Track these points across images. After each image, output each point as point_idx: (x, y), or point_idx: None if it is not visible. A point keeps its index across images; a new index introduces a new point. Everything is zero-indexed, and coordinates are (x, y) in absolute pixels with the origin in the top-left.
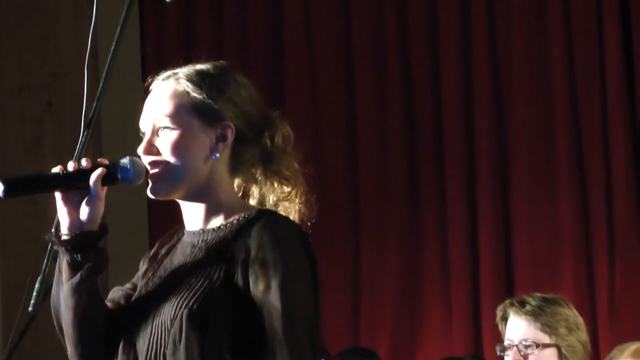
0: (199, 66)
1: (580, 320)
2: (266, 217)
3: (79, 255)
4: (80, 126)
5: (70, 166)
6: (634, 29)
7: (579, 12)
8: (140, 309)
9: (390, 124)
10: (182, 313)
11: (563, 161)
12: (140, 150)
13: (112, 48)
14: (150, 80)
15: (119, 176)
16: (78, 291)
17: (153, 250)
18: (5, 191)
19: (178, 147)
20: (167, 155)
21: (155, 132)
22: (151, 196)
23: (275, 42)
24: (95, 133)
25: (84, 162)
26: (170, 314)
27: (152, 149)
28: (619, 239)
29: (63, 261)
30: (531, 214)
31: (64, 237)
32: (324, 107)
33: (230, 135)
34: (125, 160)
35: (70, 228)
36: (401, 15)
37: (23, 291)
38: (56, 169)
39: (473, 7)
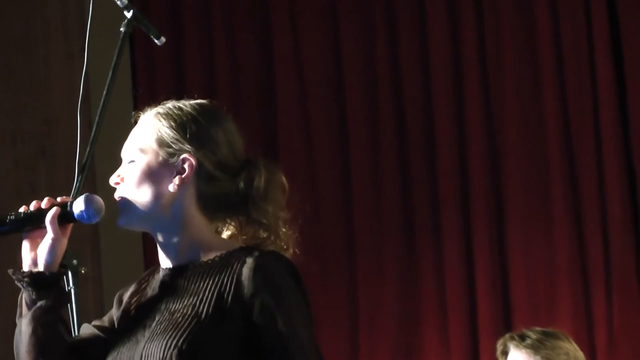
0: (182, 102)
1: (580, 354)
2: (254, 257)
3: (34, 293)
4: (74, 172)
5: (32, 206)
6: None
7: (570, 49)
8: (123, 349)
9: (384, 156)
10: (172, 354)
11: (559, 197)
12: (111, 181)
13: (104, 94)
14: (135, 116)
15: (75, 215)
16: (33, 327)
17: (132, 289)
18: None
19: (136, 178)
20: (127, 186)
21: (124, 163)
22: (118, 225)
23: (266, 82)
24: (89, 178)
25: (44, 203)
26: (158, 354)
27: (117, 178)
28: (615, 274)
29: (23, 295)
30: (527, 249)
31: (24, 276)
32: (318, 142)
33: (189, 169)
34: (80, 199)
35: (30, 266)
36: (392, 49)
37: None
38: (21, 209)
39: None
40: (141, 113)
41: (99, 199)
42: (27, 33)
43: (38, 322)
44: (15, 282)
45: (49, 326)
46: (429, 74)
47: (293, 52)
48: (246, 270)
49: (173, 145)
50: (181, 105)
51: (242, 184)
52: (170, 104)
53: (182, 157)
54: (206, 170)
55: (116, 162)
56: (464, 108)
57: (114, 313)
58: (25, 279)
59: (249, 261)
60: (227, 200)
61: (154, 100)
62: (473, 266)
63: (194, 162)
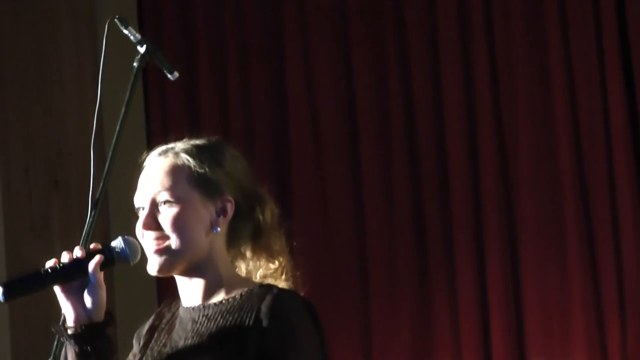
0: (195, 141)
1: None
2: (273, 294)
3: (88, 347)
4: (87, 204)
5: (65, 257)
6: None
7: (583, 80)
8: None
9: (397, 183)
10: None
11: (572, 227)
12: (140, 225)
13: (117, 129)
14: (145, 155)
15: (116, 259)
16: None
17: (149, 324)
18: (4, 295)
19: (180, 222)
20: (169, 230)
21: (155, 207)
22: (152, 273)
23: (280, 117)
24: (103, 212)
25: (78, 252)
26: None
27: (152, 224)
28: (629, 304)
29: (70, 351)
30: (541, 281)
31: (71, 331)
32: (331, 177)
33: (230, 209)
34: (119, 242)
35: (77, 320)
36: (405, 88)
37: None
38: (50, 262)
39: (476, 73)
40: (151, 154)
41: (134, 240)
42: (39, 64)
43: None
44: (64, 337)
45: None
46: (441, 103)
47: (306, 85)
48: (264, 308)
49: (211, 185)
50: (204, 143)
51: (260, 216)
52: (187, 143)
53: (223, 197)
54: (238, 206)
55: (129, 196)
56: (477, 140)
57: (135, 350)
58: (80, 335)
59: (268, 298)
60: (245, 235)
61: (167, 134)
62: (486, 293)
63: (233, 201)
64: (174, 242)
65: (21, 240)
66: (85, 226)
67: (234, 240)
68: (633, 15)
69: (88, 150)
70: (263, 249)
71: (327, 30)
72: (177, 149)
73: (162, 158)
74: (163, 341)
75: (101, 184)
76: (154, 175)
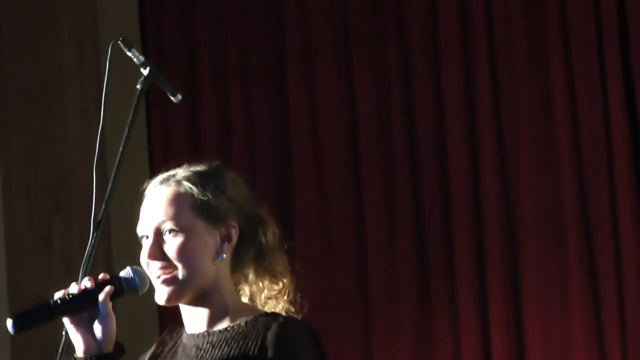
0: (196, 167)
1: None
2: (279, 322)
3: None
4: (89, 226)
5: (75, 288)
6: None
7: (585, 113)
8: None
9: (397, 184)
10: None
11: (573, 250)
12: (145, 255)
13: (120, 151)
14: (146, 184)
15: (126, 290)
16: None
17: (151, 352)
18: (14, 327)
19: (186, 251)
20: (176, 260)
21: (160, 236)
22: (161, 303)
23: (282, 140)
24: (104, 234)
25: (87, 283)
26: None
27: (158, 254)
28: (628, 303)
29: None
30: (540, 278)
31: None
32: (333, 198)
33: (235, 234)
34: (128, 272)
35: (87, 351)
36: (407, 109)
37: None
38: (60, 294)
39: (476, 74)
40: (152, 183)
41: (142, 269)
42: (42, 85)
43: None
44: None
45: None
46: (442, 104)
47: (308, 109)
48: (270, 336)
49: (214, 211)
50: (205, 170)
51: (263, 238)
52: (186, 170)
53: (227, 223)
54: (242, 231)
55: (131, 219)
56: (477, 141)
57: None
58: None
59: (274, 327)
60: (249, 258)
61: (169, 156)
62: (487, 323)
63: (237, 227)
64: (181, 272)
65: (23, 262)
66: (87, 248)
67: (237, 264)
68: (634, 16)
69: (90, 172)
70: (266, 271)
71: (328, 47)
72: (178, 177)
73: (164, 187)
74: None
75: (103, 206)
76: (157, 204)
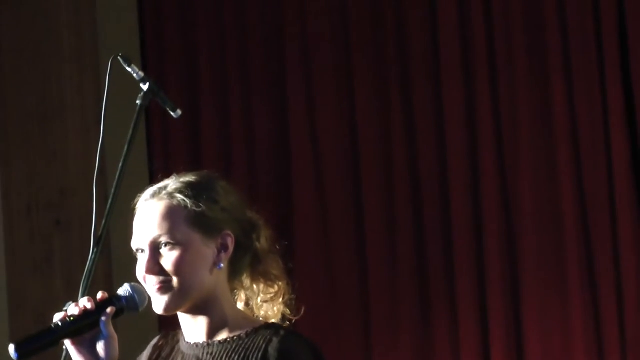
0: (185, 178)
1: None
2: (280, 337)
3: None
4: (89, 244)
5: (75, 310)
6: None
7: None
8: None
9: (396, 185)
10: None
11: (573, 262)
12: (142, 269)
13: (120, 167)
14: (137, 199)
15: (125, 309)
16: None
17: (147, 355)
18: (17, 353)
19: (183, 264)
20: (174, 274)
21: (156, 251)
22: (159, 312)
23: (282, 155)
24: (105, 250)
25: (87, 304)
26: None
27: (155, 269)
28: (630, 338)
29: None
30: (540, 283)
31: None
32: (333, 208)
33: (231, 243)
34: (127, 290)
35: None
36: (408, 121)
37: None
38: (60, 316)
39: (476, 77)
40: (143, 197)
41: (140, 286)
42: (42, 103)
43: None
44: None
45: None
46: (444, 143)
47: (308, 124)
48: (272, 351)
49: (209, 222)
50: (196, 180)
51: (257, 243)
52: (177, 182)
53: (222, 233)
54: (238, 240)
55: (132, 235)
56: (477, 145)
57: None
58: None
59: (275, 341)
60: (245, 264)
61: (169, 171)
62: (487, 330)
63: (233, 237)
64: (178, 284)
65: (23, 279)
66: (87, 264)
67: (234, 272)
68: (633, 17)
69: (91, 190)
70: (262, 275)
71: (329, 58)
72: (170, 189)
73: (155, 200)
74: None
75: (103, 222)
76: (151, 218)
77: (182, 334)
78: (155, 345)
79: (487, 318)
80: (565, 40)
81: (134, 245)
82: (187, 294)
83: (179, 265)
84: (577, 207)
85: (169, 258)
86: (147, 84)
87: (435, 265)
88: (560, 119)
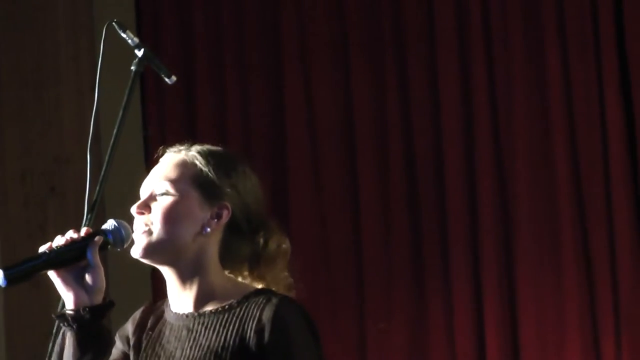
0: (212, 148)
1: None
2: (273, 305)
3: (90, 331)
4: (84, 211)
5: (61, 240)
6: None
7: (581, 101)
8: None
9: (393, 186)
10: None
11: (568, 243)
12: (133, 208)
13: (114, 132)
14: (161, 151)
15: (111, 242)
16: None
17: (137, 321)
18: (5, 279)
19: (170, 213)
20: (158, 219)
21: (153, 195)
22: (135, 255)
23: (278, 124)
24: (99, 216)
25: (72, 234)
26: None
27: (145, 210)
28: (624, 319)
29: (70, 339)
30: (537, 295)
31: (74, 315)
32: (328, 187)
33: (226, 215)
34: (112, 224)
35: (77, 304)
36: (403, 101)
37: None
38: (45, 247)
39: (473, 76)
40: (168, 150)
41: (125, 223)
42: (37, 70)
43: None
44: (66, 322)
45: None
46: (440, 127)
47: (304, 93)
48: (265, 320)
49: (213, 188)
50: (222, 152)
51: (260, 243)
52: (204, 146)
53: (221, 203)
54: (236, 221)
55: (126, 200)
56: (474, 143)
57: (120, 348)
58: (82, 314)
59: (268, 310)
60: (241, 254)
61: (164, 139)
62: (482, 311)
63: (230, 210)
64: (157, 229)
65: (18, 246)
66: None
67: (228, 254)
68: (630, 14)
69: (85, 157)
70: (260, 279)
71: (325, 36)
72: (192, 149)
73: (174, 153)
74: (155, 350)
75: (97, 188)
76: (162, 166)
77: (169, 304)
78: (139, 317)
79: (482, 311)
80: (563, 39)
81: (140, 193)
82: (165, 244)
83: (166, 212)
84: (574, 198)
85: (160, 203)
86: (142, 50)
87: (431, 258)
88: (556, 110)
